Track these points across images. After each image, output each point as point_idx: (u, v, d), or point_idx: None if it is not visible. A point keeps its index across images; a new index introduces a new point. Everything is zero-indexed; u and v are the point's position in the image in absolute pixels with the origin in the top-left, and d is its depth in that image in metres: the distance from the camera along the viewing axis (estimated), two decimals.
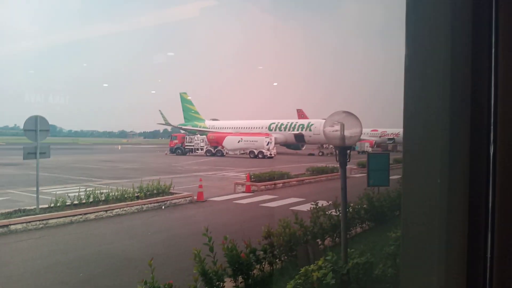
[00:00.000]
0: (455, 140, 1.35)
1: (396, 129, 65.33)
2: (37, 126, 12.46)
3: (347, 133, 5.84)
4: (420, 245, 1.39)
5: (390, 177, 11.22)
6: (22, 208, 12.23)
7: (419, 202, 1.39)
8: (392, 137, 67.00)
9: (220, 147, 49.42)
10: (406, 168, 1.45)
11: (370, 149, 53.03)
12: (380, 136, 69.12)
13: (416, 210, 1.40)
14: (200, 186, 16.50)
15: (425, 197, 1.38)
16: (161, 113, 72.76)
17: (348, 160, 5.94)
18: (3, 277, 7.48)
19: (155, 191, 15.46)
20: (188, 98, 75.20)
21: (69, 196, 13.25)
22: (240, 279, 6.32)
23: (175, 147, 50.94)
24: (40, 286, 7.05)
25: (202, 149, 50.24)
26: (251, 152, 46.60)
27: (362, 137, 49.98)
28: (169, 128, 79.39)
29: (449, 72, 1.36)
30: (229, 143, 49.01)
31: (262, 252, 6.79)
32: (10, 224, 10.79)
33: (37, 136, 12.44)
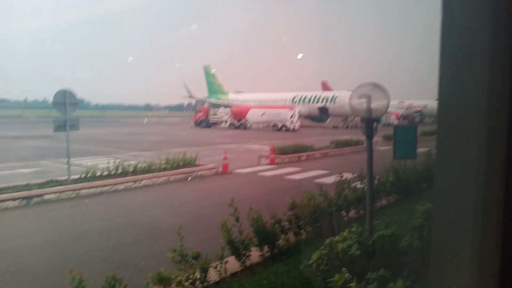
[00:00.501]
0: (492, 129, 1.28)
1: (423, 101, 63.54)
2: (66, 100, 12.75)
3: (373, 105, 5.74)
4: (453, 237, 1.35)
5: (417, 150, 11.02)
6: (55, 178, 12.69)
7: (451, 199, 1.35)
8: (419, 109, 65.36)
9: (244, 120, 49.47)
10: (440, 158, 1.39)
11: (396, 122, 52.03)
12: (407, 109, 67.55)
13: (449, 206, 1.36)
14: (225, 158, 16.67)
15: (459, 190, 1.33)
16: (186, 86, 73.09)
17: (375, 132, 5.86)
18: (38, 244, 7.85)
19: (181, 163, 15.74)
20: (212, 71, 75.09)
21: (98, 168, 13.66)
22: (266, 248, 6.45)
23: (200, 120, 51.37)
24: (73, 252, 7.38)
25: (226, 122, 50.48)
26: (275, 125, 46.48)
27: (389, 109, 48.88)
28: (193, 102, 79.86)
29: (488, 58, 1.28)
30: (253, 116, 48.98)
31: (287, 223, 6.87)
32: (44, 194, 11.24)
33: (66, 109, 12.75)
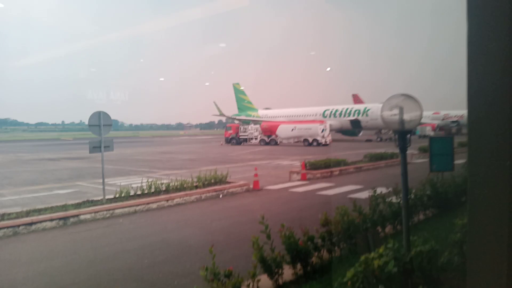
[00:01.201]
0: None
1: (460, 111, 61.71)
2: (100, 122, 13.15)
3: (406, 116, 5.58)
4: (489, 238, 1.28)
5: (455, 162, 10.64)
6: (90, 199, 13.03)
7: (486, 195, 1.28)
8: (456, 119, 63.43)
9: (274, 136, 49.52)
10: (472, 162, 1.33)
11: (432, 133, 50.64)
12: (442, 119, 65.70)
13: (484, 203, 1.29)
14: (256, 175, 16.63)
15: (493, 191, 1.26)
16: (216, 105, 74.17)
17: (408, 145, 5.68)
18: (75, 263, 8.01)
19: (212, 181, 15.83)
20: (241, 88, 75.99)
21: (132, 187, 13.93)
22: (298, 266, 6.31)
23: (230, 137, 51.86)
24: (108, 272, 7.47)
25: (256, 139, 50.69)
26: (305, 140, 46.24)
27: (423, 120, 47.86)
28: (223, 119, 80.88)
29: None
30: (283, 131, 48.97)
31: (320, 240, 6.72)
32: (80, 214, 11.53)
33: (101, 130, 13.14)
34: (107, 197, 12.99)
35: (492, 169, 1.26)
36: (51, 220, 10.94)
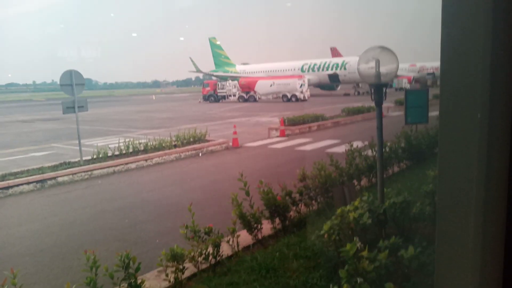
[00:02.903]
0: (495, 94, 1.23)
1: (436, 63, 62.12)
2: (72, 81, 12.71)
3: (382, 69, 5.58)
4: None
5: (430, 114, 10.84)
6: (67, 161, 12.85)
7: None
8: (431, 71, 63.99)
9: (253, 92, 49.10)
10: (443, 113, 1.34)
11: (408, 85, 51.12)
12: (418, 71, 66.18)
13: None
14: (235, 133, 16.64)
15: (462, 157, 1.29)
16: (192, 61, 72.45)
17: (384, 98, 5.72)
18: (55, 225, 8.02)
19: (191, 139, 15.77)
20: (217, 43, 74.07)
21: (110, 148, 13.77)
22: (277, 220, 6.47)
23: (208, 94, 51.06)
24: (89, 233, 7.52)
25: (234, 96, 50.16)
26: (284, 95, 46.07)
27: (400, 72, 48.03)
28: (201, 76, 79.43)
29: (491, 22, 1.20)
30: (261, 87, 48.55)
31: (298, 195, 6.86)
32: (58, 176, 11.41)
33: (73, 90, 12.73)
34: (84, 158, 12.82)
35: (462, 120, 1.28)
36: (28, 183, 10.80)
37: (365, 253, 4.17)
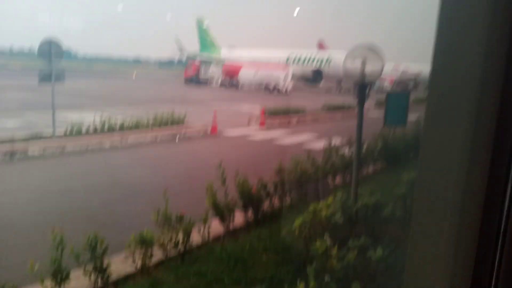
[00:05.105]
0: (483, 104, 1.23)
1: (420, 64, 62.61)
2: (51, 50, 12.28)
3: (367, 69, 5.59)
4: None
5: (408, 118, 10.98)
6: (39, 133, 12.45)
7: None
8: (413, 76, 64.86)
9: (235, 79, 48.75)
10: (427, 128, 1.34)
11: (389, 87, 51.75)
12: (401, 73, 66.92)
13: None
14: (215, 120, 16.48)
15: (444, 162, 1.29)
16: (177, 40, 70.88)
17: (366, 99, 5.76)
18: (21, 200, 7.78)
19: (169, 122, 15.52)
20: (205, 23, 72.73)
21: (84, 124, 13.41)
22: (250, 213, 6.46)
23: (190, 78, 50.35)
24: (56, 211, 7.33)
25: (217, 82, 49.68)
26: (267, 86, 45.95)
27: (385, 73, 48.35)
28: (184, 58, 77.96)
29: (486, 28, 1.20)
30: (245, 76, 48.22)
31: (272, 188, 6.86)
32: (28, 150, 11.04)
33: (51, 59, 12.31)
34: (57, 131, 12.44)
35: (447, 125, 1.29)
36: None
37: (334, 252, 4.21)
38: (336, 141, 9.19)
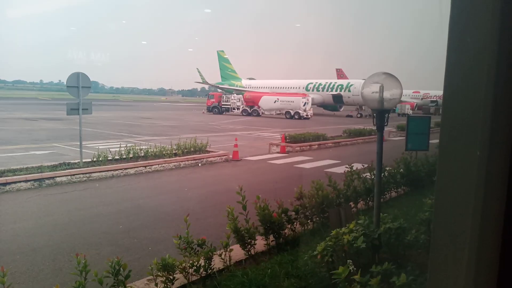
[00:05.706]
0: (495, 129, 1.25)
1: (439, 91, 62.42)
2: (79, 83, 12.80)
3: (386, 95, 5.62)
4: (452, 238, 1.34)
5: (430, 141, 10.86)
6: (67, 161, 12.85)
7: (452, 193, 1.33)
8: (435, 99, 64.29)
9: (256, 106, 49.29)
10: (443, 154, 1.37)
11: (410, 112, 51.27)
12: (422, 98, 66.47)
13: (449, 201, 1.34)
14: (236, 146, 16.66)
15: (460, 186, 1.31)
16: (199, 71, 73.05)
17: (386, 124, 5.76)
18: (50, 225, 7.99)
19: (192, 149, 15.79)
20: (225, 56, 74.68)
21: (110, 151, 13.79)
22: (271, 237, 6.44)
23: (212, 106, 51.33)
24: (83, 234, 7.49)
25: (238, 109, 50.37)
26: (287, 112, 46.23)
27: (403, 99, 48.25)
28: (206, 87, 79.82)
29: (495, 55, 1.24)
30: (265, 103, 48.75)
31: (294, 213, 6.85)
32: (56, 176, 11.40)
33: (79, 92, 12.82)
34: (84, 160, 12.84)
35: (461, 155, 1.31)
36: (26, 181, 10.79)
37: (357, 277, 4.16)
38: (358, 165, 9.14)
